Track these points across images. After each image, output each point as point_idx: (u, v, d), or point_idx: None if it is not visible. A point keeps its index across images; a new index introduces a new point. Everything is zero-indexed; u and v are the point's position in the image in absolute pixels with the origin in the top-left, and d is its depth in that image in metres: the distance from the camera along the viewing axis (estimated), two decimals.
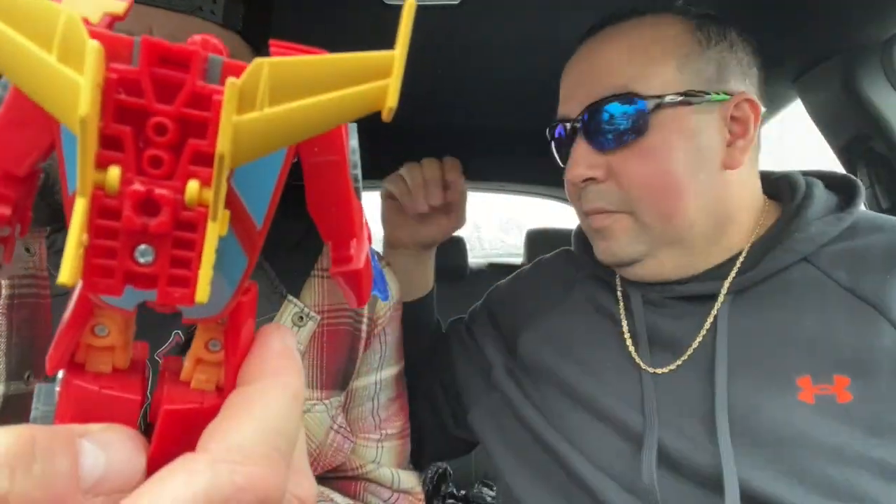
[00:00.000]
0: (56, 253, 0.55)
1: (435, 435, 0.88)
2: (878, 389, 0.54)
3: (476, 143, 1.61)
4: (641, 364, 0.66)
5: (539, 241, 2.07)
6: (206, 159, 0.15)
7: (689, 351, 0.64)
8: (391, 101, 0.17)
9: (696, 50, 0.64)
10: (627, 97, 0.62)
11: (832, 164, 1.07)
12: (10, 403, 0.50)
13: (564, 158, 0.70)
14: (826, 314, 0.59)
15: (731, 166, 0.64)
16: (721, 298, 0.64)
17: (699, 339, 0.64)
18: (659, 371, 0.65)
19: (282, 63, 0.16)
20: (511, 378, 0.77)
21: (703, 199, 0.63)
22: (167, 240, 0.15)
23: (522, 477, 0.70)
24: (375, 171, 1.67)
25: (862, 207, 0.65)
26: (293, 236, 0.67)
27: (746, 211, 0.67)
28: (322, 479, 0.69)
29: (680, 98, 0.62)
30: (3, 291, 0.51)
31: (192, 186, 0.15)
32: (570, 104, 0.68)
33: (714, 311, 0.64)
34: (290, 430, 0.18)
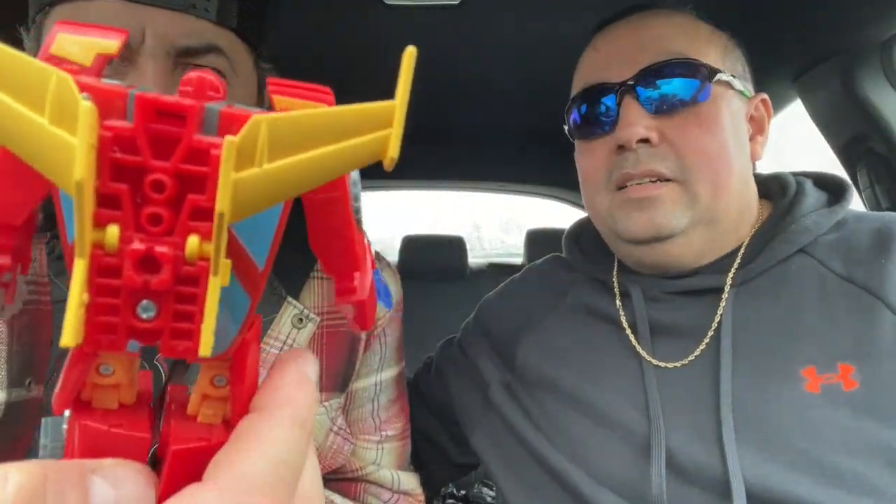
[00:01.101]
0: (56, 259, 0.54)
1: (440, 465, 0.87)
2: (882, 375, 0.54)
3: (476, 143, 1.61)
4: (646, 357, 0.66)
5: (539, 241, 2.07)
6: (205, 214, 0.15)
7: (702, 346, 0.63)
8: (392, 151, 0.17)
9: (730, 46, 0.68)
10: (690, 63, 0.63)
11: (832, 164, 1.07)
12: (11, 410, 0.50)
13: (603, 124, 0.68)
14: (826, 304, 0.60)
15: (756, 157, 0.67)
16: (726, 292, 0.64)
17: (710, 333, 0.64)
18: (665, 366, 0.65)
19: (280, 119, 0.16)
20: (508, 394, 0.76)
21: (741, 181, 0.65)
22: (169, 295, 0.15)
23: (526, 498, 0.70)
24: (376, 170, 1.68)
25: (850, 204, 0.66)
26: (293, 237, 0.67)
27: (752, 205, 0.69)
28: (322, 480, 0.69)
29: (729, 78, 0.64)
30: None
31: (193, 242, 0.15)
32: (617, 69, 0.66)
33: (722, 304, 0.64)
34: (297, 460, 0.18)
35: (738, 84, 0.65)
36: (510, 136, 1.56)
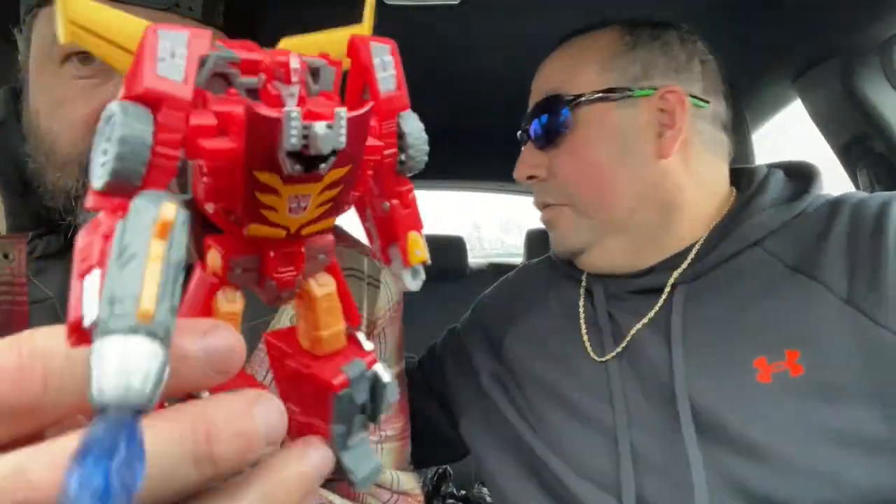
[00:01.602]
0: (36, 259, 0.54)
1: (435, 444, 0.88)
2: (825, 357, 0.56)
3: (476, 143, 1.61)
4: (607, 353, 0.69)
5: (539, 241, 2.07)
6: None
7: (655, 342, 0.66)
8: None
9: (621, 52, 0.69)
10: (554, 99, 0.70)
11: (832, 163, 1.08)
12: None
13: None
14: (774, 294, 0.61)
15: (663, 155, 0.67)
16: (668, 289, 0.67)
17: (650, 329, 0.66)
18: (606, 359, 0.68)
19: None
20: (497, 384, 0.78)
21: (638, 188, 0.67)
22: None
23: (514, 481, 0.72)
24: None
25: (820, 192, 0.66)
26: None
27: (699, 201, 0.68)
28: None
29: (599, 95, 0.67)
30: None
31: None
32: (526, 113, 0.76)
33: (660, 303, 0.67)
34: None
35: (623, 93, 0.67)
36: (510, 136, 1.56)
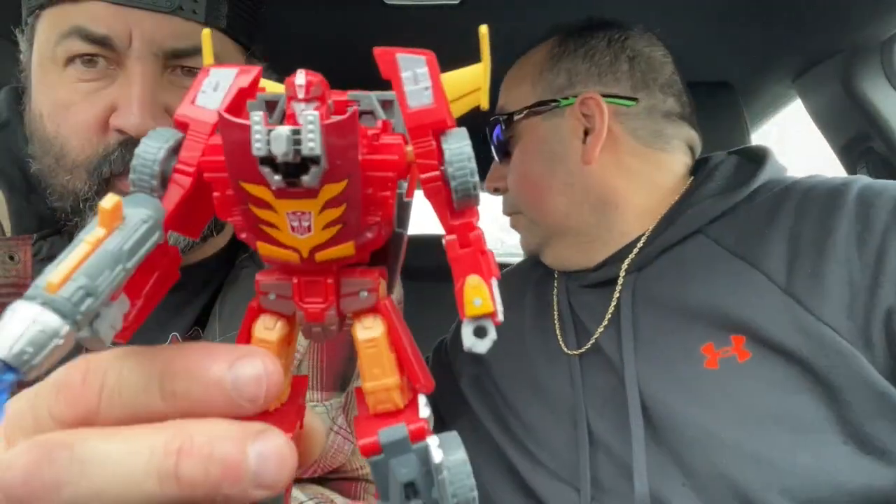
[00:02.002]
0: (41, 261, 0.54)
1: None
2: (768, 344, 0.56)
3: (476, 143, 1.61)
4: (563, 346, 0.71)
5: None
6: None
7: (596, 335, 0.68)
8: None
9: (549, 65, 0.72)
10: (495, 120, 0.76)
11: (832, 163, 1.08)
12: None
13: None
14: (717, 280, 0.61)
15: (588, 161, 0.69)
16: (620, 281, 0.68)
17: (604, 322, 0.68)
18: (579, 353, 0.70)
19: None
20: (477, 388, 0.80)
21: (569, 194, 0.70)
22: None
23: (495, 480, 0.73)
24: None
25: (769, 174, 0.66)
26: None
27: (638, 196, 0.70)
28: (322, 480, 0.69)
29: (527, 111, 0.72)
30: None
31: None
32: None
33: (616, 294, 0.68)
34: None
35: (549, 105, 0.70)
36: None
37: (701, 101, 1.12)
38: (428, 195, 0.19)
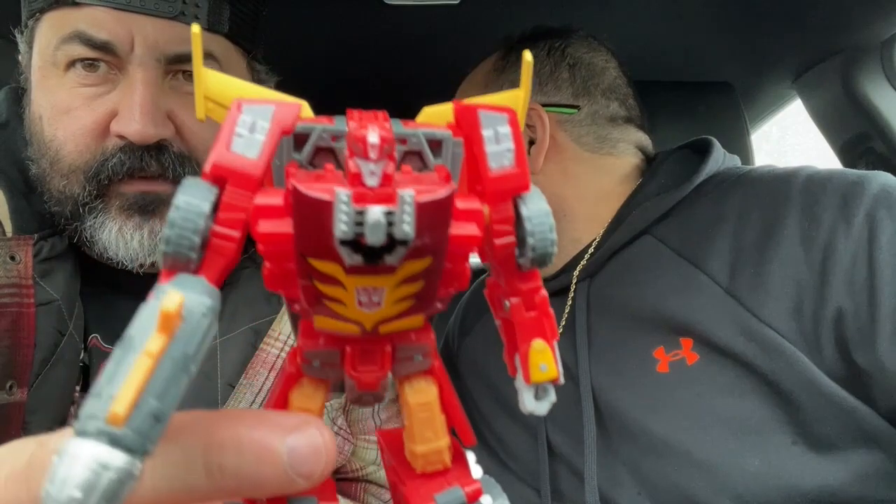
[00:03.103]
0: (42, 261, 0.54)
1: None
2: (715, 345, 0.55)
3: None
4: None
5: None
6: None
7: (563, 341, 0.68)
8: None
9: (493, 77, 0.72)
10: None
11: (832, 163, 1.07)
12: None
13: None
14: (663, 282, 0.60)
15: (533, 171, 0.68)
16: (573, 288, 0.68)
17: (559, 331, 0.68)
18: None
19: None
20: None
21: None
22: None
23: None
24: None
25: (714, 167, 0.65)
26: None
27: (585, 203, 0.69)
28: None
29: None
30: None
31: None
32: None
33: (569, 302, 0.68)
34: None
35: None
36: None
37: (701, 101, 1.12)
38: (498, 260, 0.18)
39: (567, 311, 0.68)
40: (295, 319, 0.18)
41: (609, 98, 0.70)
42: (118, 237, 0.52)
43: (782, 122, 1.27)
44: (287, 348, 0.61)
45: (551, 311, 0.19)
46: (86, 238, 0.53)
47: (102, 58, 0.51)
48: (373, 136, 0.14)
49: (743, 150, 1.17)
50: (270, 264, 0.15)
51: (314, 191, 0.13)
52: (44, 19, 0.52)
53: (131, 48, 0.50)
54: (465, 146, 0.18)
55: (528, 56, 0.17)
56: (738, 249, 0.56)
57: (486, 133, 0.17)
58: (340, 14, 0.93)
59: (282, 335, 0.62)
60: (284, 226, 0.15)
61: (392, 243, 0.14)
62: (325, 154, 0.17)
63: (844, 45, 0.96)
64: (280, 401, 0.18)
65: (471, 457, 0.19)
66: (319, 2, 0.90)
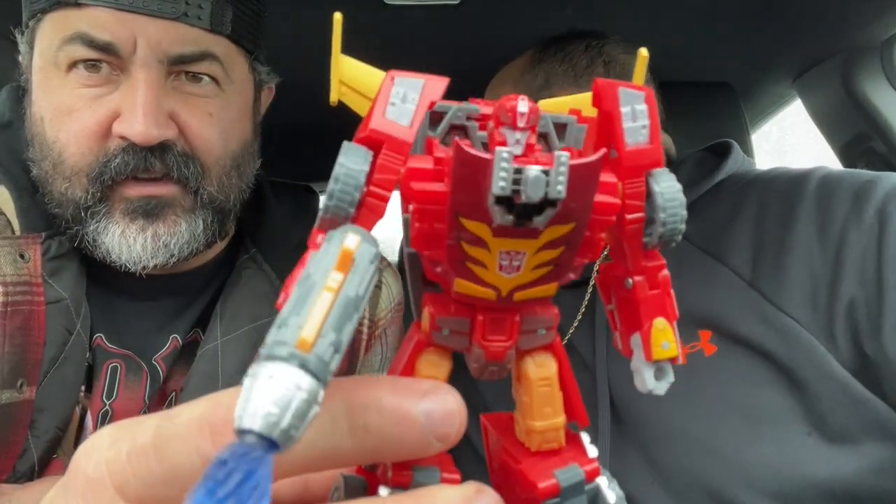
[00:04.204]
0: (50, 259, 0.54)
1: None
2: (734, 336, 0.57)
3: None
4: None
5: None
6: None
7: (569, 334, 0.68)
8: None
9: (529, 67, 0.76)
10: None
11: (832, 164, 1.07)
12: (3, 412, 0.49)
13: None
14: (684, 275, 0.61)
15: None
16: (593, 279, 0.68)
17: (577, 321, 0.68)
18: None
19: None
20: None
21: None
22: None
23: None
24: None
25: (733, 167, 0.68)
26: (294, 237, 0.67)
27: None
28: None
29: None
30: None
31: None
32: None
33: (589, 293, 0.69)
34: None
35: None
36: None
37: (701, 101, 1.12)
38: (626, 235, 0.18)
39: (587, 301, 0.68)
40: (417, 290, 0.19)
41: None
42: (121, 240, 0.52)
43: (782, 122, 1.27)
44: None
45: (672, 291, 0.19)
46: (88, 241, 0.53)
47: (105, 59, 0.50)
48: (522, 106, 0.15)
49: (743, 150, 1.17)
50: (420, 224, 0.16)
51: (475, 150, 0.14)
52: (45, 20, 0.52)
53: (134, 49, 0.50)
54: (600, 121, 0.18)
55: (643, 52, 0.19)
56: (759, 243, 0.58)
57: (625, 109, 0.18)
58: (340, 14, 0.93)
59: None
60: (437, 185, 0.16)
61: (542, 204, 0.15)
62: (457, 131, 0.17)
63: (844, 45, 0.96)
64: (407, 368, 0.18)
65: (585, 437, 0.20)
66: (319, 2, 0.90)
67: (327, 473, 0.20)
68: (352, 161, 0.16)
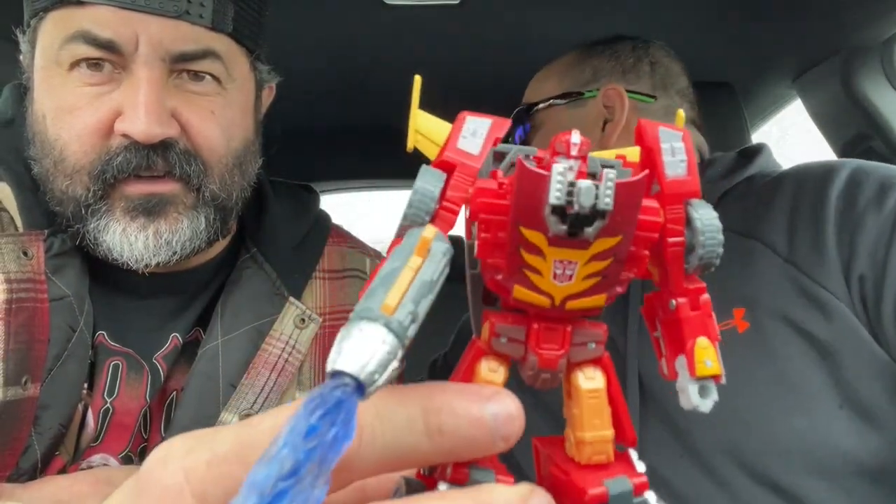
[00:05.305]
0: (53, 256, 0.54)
1: None
2: (769, 310, 0.59)
3: None
4: None
5: None
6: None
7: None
8: None
9: (576, 61, 0.78)
10: (521, 109, 0.81)
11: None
12: (7, 409, 0.49)
13: None
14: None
15: (606, 146, 0.72)
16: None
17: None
18: None
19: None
20: None
21: None
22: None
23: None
24: (376, 170, 1.67)
25: (760, 165, 0.71)
26: (295, 237, 0.67)
27: None
28: None
29: (550, 101, 0.77)
30: (1, 296, 0.51)
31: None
32: None
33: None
34: None
35: (574, 96, 0.76)
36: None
37: (701, 101, 1.12)
38: (668, 258, 0.20)
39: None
40: (478, 308, 0.21)
41: (682, 98, 0.77)
42: (122, 238, 0.52)
43: (782, 122, 1.27)
44: (289, 348, 0.61)
45: (713, 314, 0.21)
46: (90, 240, 0.53)
47: (107, 57, 0.50)
48: (575, 137, 0.17)
49: None
50: (486, 233, 0.18)
51: (536, 167, 0.17)
52: (47, 18, 0.52)
53: (136, 47, 0.50)
54: (643, 157, 0.21)
55: (681, 113, 0.21)
56: (795, 223, 0.61)
57: (665, 146, 0.21)
58: (340, 14, 0.93)
59: (283, 335, 0.62)
60: (501, 199, 0.18)
61: (592, 216, 0.17)
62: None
63: (844, 45, 0.96)
64: (467, 373, 0.20)
65: (633, 454, 0.21)
66: (319, 2, 0.90)
67: (384, 479, 0.21)
68: (428, 180, 0.19)
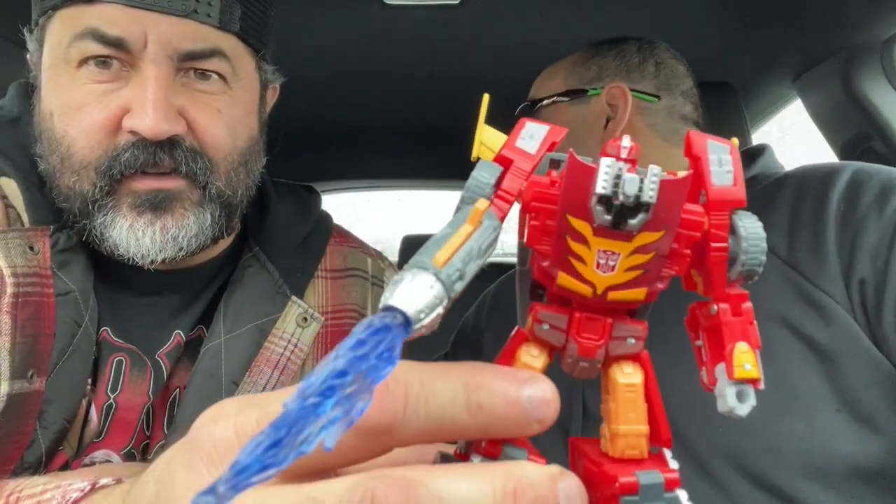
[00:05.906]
0: (59, 252, 0.54)
1: None
2: (768, 313, 0.58)
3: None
4: None
5: None
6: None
7: None
8: None
9: (581, 60, 0.79)
10: (525, 106, 0.82)
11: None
12: (13, 402, 0.50)
13: None
14: None
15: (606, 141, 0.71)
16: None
17: None
18: None
19: None
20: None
21: None
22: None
23: None
24: (376, 170, 1.67)
25: (763, 166, 0.72)
26: (297, 237, 0.67)
27: None
28: None
29: (554, 98, 0.78)
30: (8, 290, 0.51)
31: None
32: None
33: None
34: None
35: (579, 94, 0.76)
36: None
37: (701, 101, 1.13)
38: (711, 263, 0.21)
39: None
40: (524, 302, 0.23)
41: (686, 99, 0.77)
42: (129, 234, 0.52)
43: (782, 122, 1.27)
44: (291, 347, 0.62)
45: (755, 322, 0.21)
46: (96, 235, 0.53)
47: (115, 55, 0.51)
48: (626, 141, 0.18)
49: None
50: (536, 221, 0.20)
51: (585, 160, 0.18)
52: (56, 16, 0.53)
53: (144, 45, 0.50)
54: (691, 167, 0.22)
55: (735, 140, 0.22)
56: (795, 226, 0.61)
57: (712, 157, 0.21)
58: (341, 14, 0.94)
59: (285, 333, 0.62)
60: (552, 190, 0.20)
61: (636, 208, 0.18)
62: None
63: (844, 45, 0.96)
64: (507, 357, 0.21)
65: (667, 453, 0.21)
66: (320, 2, 0.90)
67: (420, 455, 0.22)
68: (485, 170, 0.21)
